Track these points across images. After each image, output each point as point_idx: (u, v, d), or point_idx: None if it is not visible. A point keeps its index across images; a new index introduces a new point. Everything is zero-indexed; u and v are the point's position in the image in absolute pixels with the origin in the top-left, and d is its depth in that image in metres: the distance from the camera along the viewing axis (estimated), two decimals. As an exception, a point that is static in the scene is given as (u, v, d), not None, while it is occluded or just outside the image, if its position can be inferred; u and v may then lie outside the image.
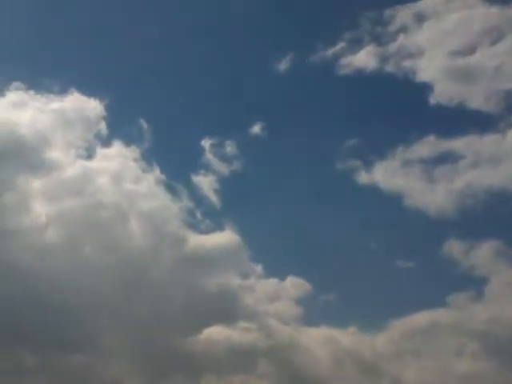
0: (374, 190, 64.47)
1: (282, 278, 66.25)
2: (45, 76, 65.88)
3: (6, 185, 58.51)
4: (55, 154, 61.74)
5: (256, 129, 67.15)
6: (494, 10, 65.06)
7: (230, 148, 67.12)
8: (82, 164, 62.91)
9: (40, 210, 60.75)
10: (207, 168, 67.49)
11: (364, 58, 66.13)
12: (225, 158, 67.04)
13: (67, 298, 57.42)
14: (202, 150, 67.28)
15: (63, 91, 65.38)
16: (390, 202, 64.12)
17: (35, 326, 55.11)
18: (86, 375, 55.92)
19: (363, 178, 64.99)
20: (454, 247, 60.01)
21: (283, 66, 68.03)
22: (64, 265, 58.91)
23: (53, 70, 68.17)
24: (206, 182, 66.83)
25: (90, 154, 64.39)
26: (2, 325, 54.55)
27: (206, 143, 66.88)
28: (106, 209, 61.60)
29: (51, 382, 55.31)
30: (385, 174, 64.69)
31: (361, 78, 66.74)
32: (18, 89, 63.31)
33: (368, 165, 65.54)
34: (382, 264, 62.45)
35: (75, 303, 57.26)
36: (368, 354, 59.95)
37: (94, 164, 63.90)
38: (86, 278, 58.90)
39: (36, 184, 60.36)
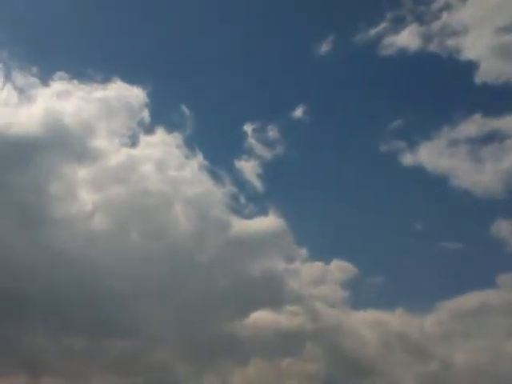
0: (419, 172, 63.78)
1: (327, 261, 65.94)
2: (88, 65, 66.47)
3: (52, 174, 59.44)
4: (100, 142, 62.41)
5: (298, 112, 66.72)
6: (540, -16, 63.23)
7: (272, 132, 66.85)
8: (126, 152, 63.47)
9: (86, 198, 61.58)
10: (250, 153, 67.38)
11: (407, 38, 64.99)
12: (267, 143, 66.84)
13: (114, 284, 58.27)
14: (244, 135, 67.19)
15: (106, 80, 65.91)
16: (435, 183, 63.21)
17: (84, 311, 56.06)
18: (134, 360, 56.70)
19: (408, 159, 64.11)
20: (502, 227, 58.93)
21: (325, 48, 67.36)
22: (111, 251, 59.72)
23: (96, 60, 68.80)
24: (248, 167, 66.79)
25: (133, 142, 64.91)
26: (51, 310, 55.68)
27: (248, 128, 66.75)
28: (151, 196, 62.12)
29: (99, 367, 56.24)
30: (430, 155, 63.70)
31: (404, 58, 65.70)
32: (61, 79, 64.08)
33: (413, 146, 64.71)
34: (428, 245, 61.72)
35: (122, 289, 58.03)
36: (416, 336, 59.36)
37: (137, 151, 64.41)
38: (133, 264, 59.61)
39: (82, 172, 61.16)
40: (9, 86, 62.18)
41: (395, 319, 61.72)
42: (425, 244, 62.28)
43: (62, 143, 60.05)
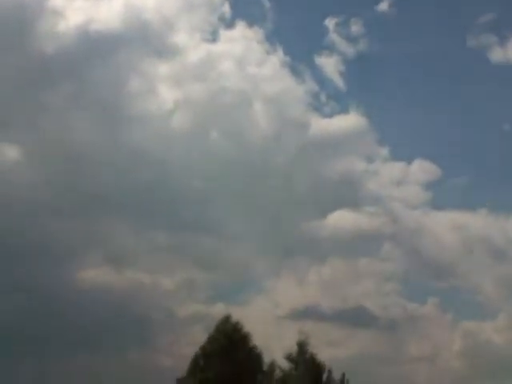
0: (509, 68, 61.64)
1: (409, 161, 63.76)
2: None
3: (132, 70, 59.18)
4: (179, 37, 61.25)
5: (383, 5, 63.66)
6: None
7: (355, 27, 63.87)
8: (205, 48, 62.17)
9: (166, 95, 61.19)
10: (331, 48, 65.08)
11: None
12: (350, 38, 64.13)
13: (195, 184, 58.79)
14: (325, 30, 64.71)
15: (185, -25, 64.52)
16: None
17: (165, 208, 57.10)
18: (215, 256, 57.78)
19: (497, 54, 61.37)
20: None
21: None
22: (190, 150, 59.75)
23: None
24: (330, 64, 64.49)
25: (213, 37, 63.51)
26: (136, 207, 56.98)
27: (329, 22, 64.04)
28: (230, 94, 61.15)
29: (182, 262, 57.74)
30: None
31: None
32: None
33: (503, 40, 62.65)
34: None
35: (203, 188, 58.52)
36: (498, 238, 57.99)
37: (217, 47, 63.01)
38: (213, 164, 59.68)
39: (161, 69, 60.59)
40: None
41: (478, 221, 60.18)
42: (512, 144, 60.15)
43: (141, 39, 59.33)
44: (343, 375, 29.71)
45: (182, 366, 35.33)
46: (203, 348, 33.85)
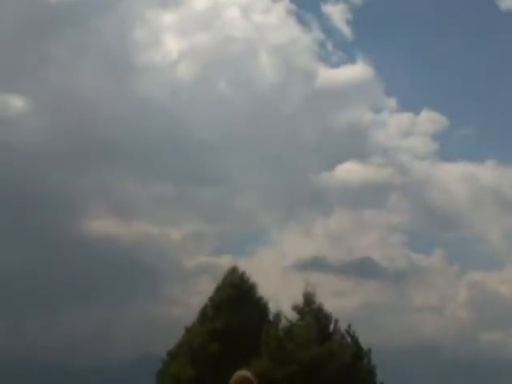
0: None
1: (417, 111, 62.98)
2: None
3: (136, 19, 58.13)
4: (184, -14, 59.87)
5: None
6: None
7: (363, -27, 62.06)
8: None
9: (171, 45, 60.29)
10: (339, -4, 63.46)
11: None
12: (358, -15, 62.40)
13: (201, 134, 58.59)
14: (333, -23, 62.94)
15: None
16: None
17: (171, 159, 56.91)
18: (221, 207, 57.81)
19: (506, 1, 59.70)
20: None
21: None
22: (196, 101, 59.13)
23: None
24: (336, 12, 63.22)
25: (217, -15, 62.01)
26: (140, 157, 56.77)
27: (337, -31, 62.21)
28: (236, 43, 60.16)
29: (189, 213, 57.76)
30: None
31: None
32: None
33: None
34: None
35: (209, 138, 58.34)
36: (508, 190, 57.45)
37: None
38: (219, 114, 59.18)
39: (166, 18, 59.51)
40: None
41: (486, 172, 59.67)
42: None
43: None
44: (349, 326, 29.63)
45: (191, 316, 35.56)
46: (211, 299, 33.99)
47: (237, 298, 32.94)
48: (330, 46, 61.44)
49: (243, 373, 6.34)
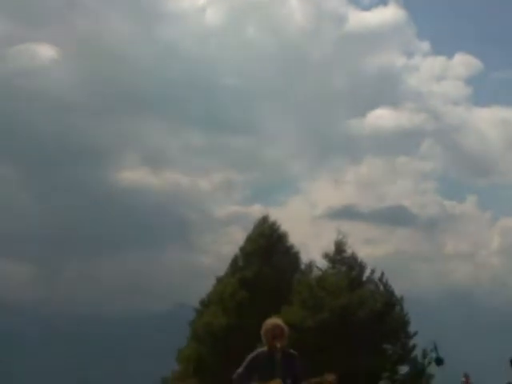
0: None
1: (450, 55, 61.70)
2: None
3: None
4: None
5: None
6: None
7: None
8: None
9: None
10: None
11: None
12: None
13: (230, 82, 57.97)
14: None
15: None
16: None
17: (201, 108, 56.52)
18: (251, 156, 57.72)
19: None
20: None
21: None
22: (225, 47, 58.53)
23: None
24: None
25: None
26: (173, 106, 56.56)
27: None
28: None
29: (219, 163, 57.84)
30: None
31: None
32: None
33: None
34: None
35: (239, 86, 57.77)
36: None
37: None
38: (248, 61, 58.55)
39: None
40: None
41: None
42: None
43: None
44: (382, 274, 29.54)
45: (222, 265, 35.87)
46: (242, 248, 34.18)
47: (267, 247, 33.06)
48: (360, -10, 59.96)
49: (275, 320, 6.31)
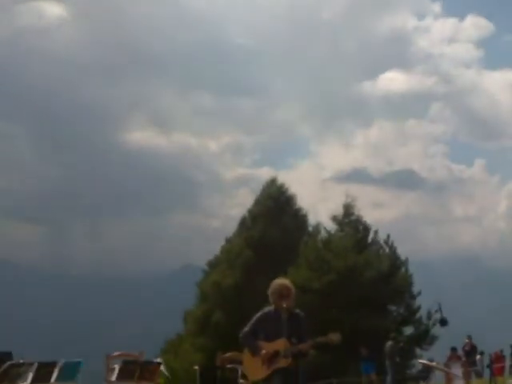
0: None
1: (462, 17, 60.77)
2: None
3: None
4: None
5: None
6: None
7: None
8: None
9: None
10: None
11: None
12: None
13: (240, 41, 57.33)
14: None
15: None
16: None
17: (211, 69, 56.13)
18: (260, 119, 57.52)
19: None
20: None
21: None
22: (235, 6, 57.86)
23: None
24: None
25: None
26: (181, 68, 56.15)
27: None
28: None
29: (228, 125, 57.73)
30: None
31: None
32: None
33: None
34: None
35: (248, 46, 57.17)
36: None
37: None
38: (259, 21, 57.83)
39: None
40: None
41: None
42: None
43: None
44: (388, 236, 29.68)
45: (230, 227, 36.10)
46: (250, 210, 34.34)
47: (276, 209, 33.21)
48: None
49: (282, 281, 6.41)
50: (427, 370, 19.20)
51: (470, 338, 20.58)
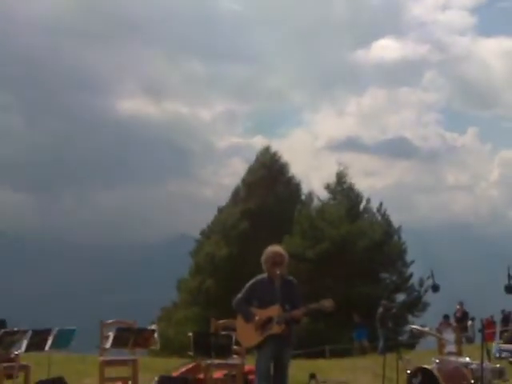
0: None
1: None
2: None
3: None
4: None
5: None
6: None
7: None
8: None
9: None
10: None
11: None
12: None
13: (232, 6, 56.65)
14: None
15: None
16: None
17: (202, 37, 55.41)
18: (252, 87, 57.20)
19: None
20: None
21: None
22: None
23: None
24: None
25: None
26: (171, 34, 55.53)
27: None
28: None
29: (220, 93, 57.25)
30: None
31: None
32: None
33: None
34: None
35: (239, 12, 56.48)
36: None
37: None
38: None
39: None
40: None
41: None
42: None
43: None
44: (380, 204, 29.79)
45: (223, 196, 36.16)
46: (244, 179, 34.34)
47: (269, 177, 33.22)
48: None
49: (275, 248, 6.41)
50: (418, 336, 19.37)
51: (461, 304, 20.74)
